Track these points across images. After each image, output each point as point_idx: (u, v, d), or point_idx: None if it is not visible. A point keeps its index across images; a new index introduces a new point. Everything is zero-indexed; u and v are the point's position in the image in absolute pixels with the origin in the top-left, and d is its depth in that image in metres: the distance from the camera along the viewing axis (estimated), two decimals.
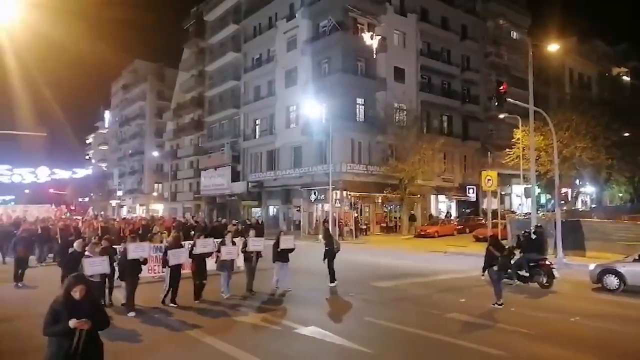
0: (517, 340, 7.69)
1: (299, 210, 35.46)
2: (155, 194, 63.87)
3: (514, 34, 44.53)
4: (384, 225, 35.37)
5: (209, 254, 10.98)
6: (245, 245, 11.59)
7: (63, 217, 31.84)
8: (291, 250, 11.80)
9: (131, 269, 9.55)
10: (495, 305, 10.02)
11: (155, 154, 60.29)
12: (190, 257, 10.61)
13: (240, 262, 12.57)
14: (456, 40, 40.96)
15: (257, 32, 42.90)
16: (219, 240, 11.97)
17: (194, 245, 10.78)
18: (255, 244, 11.59)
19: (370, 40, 31.62)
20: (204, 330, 8.22)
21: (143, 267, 9.96)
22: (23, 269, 13.04)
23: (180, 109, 56.98)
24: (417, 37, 37.97)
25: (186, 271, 11.01)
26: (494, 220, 23.90)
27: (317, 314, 9.60)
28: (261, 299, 10.87)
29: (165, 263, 10.26)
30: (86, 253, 9.00)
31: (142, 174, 67.13)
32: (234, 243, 11.78)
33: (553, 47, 23.28)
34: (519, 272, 12.76)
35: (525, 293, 11.88)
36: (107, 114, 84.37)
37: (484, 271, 10.67)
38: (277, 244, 11.65)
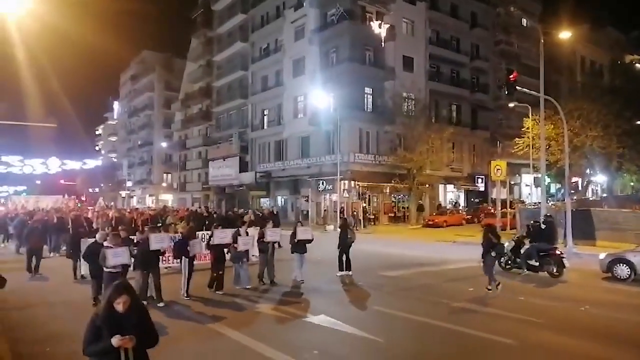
0: (526, 329, 7.70)
1: (307, 201, 35.55)
2: (164, 184, 64.33)
3: (525, 22, 43.91)
4: (392, 215, 35.39)
5: (228, 245, 10.89)
6: (262, 235, 11.47)
7: (77, 207, 32.16)
8: (309, 241, 11.72)
9: (154, 260, 9.52)
10: (487, 289, 10.45)
11: (164, 144, 60.64)
12: (208, 248, 10.59)
13: (254, 252, 12.51)
14: (466, 28, 40.46)
15: (264, 21, 42.71)
16: (233, 230, 11.80)
17: (211, 236, 10.74)
18: (273, 234, 11.50)
19: (379, 29, 31.42)
20: (223, 322, 8.18)
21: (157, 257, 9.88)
22: (37, 259, 13.00)
23: (189, 99, 57.09)
24: (426, 25, 37.57)
25: (200, 262, 11.04)
26: (502, 210, 23.80)
27: (327, 303, 9.65)
28: (278, 290, 10.75)
29: (179, 254, 10.19)
30: (105, 244, 8.89)
31: (151, 165, 67.60)
32: (248, 233, 11.66)
33: (564, 35, 22.96)
34: (528, 261, 12.75)
35: (534, 282, 11.87)
36: (116, 105, 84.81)
37: (483, 257, 10.84)
38: (294, 235, 11.57)
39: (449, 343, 7.11)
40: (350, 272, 12.39)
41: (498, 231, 11.94)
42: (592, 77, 48.81)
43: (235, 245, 10.78)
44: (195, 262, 10.48)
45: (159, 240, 9.62)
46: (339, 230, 13.55)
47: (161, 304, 9.20)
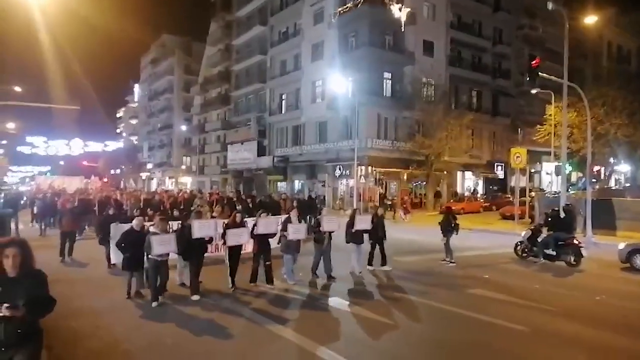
0: (540, 317, 7.75)
1: (323, 186, 35.68)
2: (183, 167, 65.21)
3: (550, 5, 42.60)
4: (409, 201, 35.31)
5: (273, 234, 9.85)
6: (318, 224, 10.43)
7: (104, 188, 32.03)
8: (367, 231, 11.03)
9: (196, 249, 8.69)
10: (446, 261, 12.38)
11: (184, 127, 61.30)
12: (252, 237, 9.48)
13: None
14: (488, 12, 39.54)
15: (284, 4, 42.42)
16: (279, 217, 11.05)
17: (255, 224, 9.66)
18: (331, 223, 10.38)
19: (399, 12, 30.95)
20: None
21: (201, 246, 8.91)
22: (71, 243, 12.65)
23: (207, 83, 57.39)
24: (448, 9, 36.84)
25: (213, 254, 10.61)
26: (521, 198, 23.55)
27: (342, 286, 9.79)
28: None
29: (224, 242, 9.30)
30: (152, 230, 8.36)
31: (170, 148, 68.48)
32: (300, 220, 10.69)
33: (590, 19, 22.33)
34: (545, 250, 12.69)
35: (551, 271, 11.83)
36: (136, 88, 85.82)
37: (444, 235, 12.55)
38: (351, 224, 10.77)
39: (462, 328, 7.21)
40: (387, 267, 11.44)
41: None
42: (618, 62, 47.45)
43: (286, 233, 9.70)
44: (206, 254, 9.29)
45: (203, 227, 8.77)
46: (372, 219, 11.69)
47: (195, 297, 8.47)
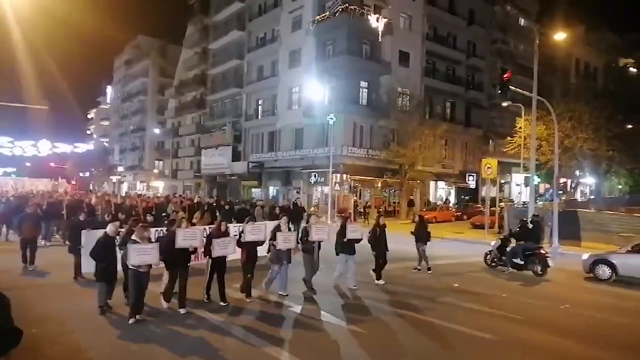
0: (507, 325, 7.89)
1: (298, 192, 35.62)
2: (156, 171, 64.06)
3: (522, 21, 43.93)
4: (383, 209, 35.61)
5: (261, 242, 9.32)
6: (306, 233, 9.77)
7: (74, 192, 30.83)
8: (358, 241, 10.33)
9: (181, 258, 8.10)
10: (417, 269, 12.80)
11: (157, 131, 60.31)
12: (238, 245, 8.84)
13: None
14: (463, 25, 40.50)
15: (262, 10, 42.40)
16: (268, 224, 10.38)
17: (242, 232, 9.08)
18: (320, 232, 9.75)
19: (377, 22, 31.35)
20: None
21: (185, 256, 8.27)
22: (32, 250, 11.73)
23: (183, 86, 56.72)
24: (424, 20, 37.54)
25: (197, 262, 9.67)
26: (491, 208, 24.05)
27: (327, 299, 9.65)
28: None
29: (207, 252, 8.57)
30: (132, 238, 7.59)
31: (143, 151, 67.22)
32: (291, 229, 10.12)
33: (560, 36, 23.09)
34: (513, 259, 12.96)
35: (519, 280, 12.08)
36: (109, 89, 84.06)
37: (423, 242, 12.84)
38: (342, 233, 10.18)
39: (431, 336, 7.26)
40: (381, 281, 10.98)
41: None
42: (585, 79, 49.25)
43: (275, 242, 9.17)
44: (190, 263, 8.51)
45: (187, 236, 8.09)
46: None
47: (183, 311, 7.97)
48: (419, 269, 12.74)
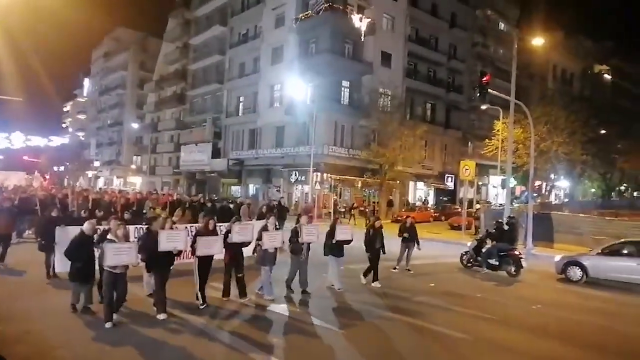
0: (480, 325, 8.00)
1: (278, 191, 35.49)
2: (133, 166, 62.96)
3: (502, 25, 44.70)
4: (362, 209, 35.75)
5: (248, 243, 9.01)
6: (296, 234, 9.49)
7: (49, 186, 29.73)
8: (348, 242, 10.05)
9: (161, 260, 7.62)
10: (397, 270, 12.80)
11: (135, 125, 59.26)
12: (224, 246, 8.47)
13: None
14: (445, 28, 40.91)
15: (245, 6, 42.05)
16: (255, 224, 10.12)
17: (228, 231, 8.71)
18: (310, 233, 9.47)
19: (360, 22, 31.36)
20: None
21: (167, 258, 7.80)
22: (4, 247, 11.20)
23: (163, 80, 55.90)
24: (406, 22, 37.79)
25: (182, 262, 9.14)
26: (469, 209, 24.37)
27: (319, 302, 9.48)
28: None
29: (194, 251, 8.16)
30: (109, 236, 7.18)
31: (120, 146, 66.01)
32: (277, 228, 9.78)
33: (538, 42, 23.47)
34: (489, 260, 13.14)
35: (493, 281, 12.26)
36: (86, 82, 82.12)
37: (414, 244, 12.95)
38: (331, 235, 9.86)
39: (406, 335, 7.30)
40: (377, 283, 10.78)
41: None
42: (562, 84, 50.37)
43: (261, 242, 8.82)
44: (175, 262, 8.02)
45: (171, 238, 7.62)
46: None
47: (162, 316, 7.43)
48: (397, 269, 12.83)
